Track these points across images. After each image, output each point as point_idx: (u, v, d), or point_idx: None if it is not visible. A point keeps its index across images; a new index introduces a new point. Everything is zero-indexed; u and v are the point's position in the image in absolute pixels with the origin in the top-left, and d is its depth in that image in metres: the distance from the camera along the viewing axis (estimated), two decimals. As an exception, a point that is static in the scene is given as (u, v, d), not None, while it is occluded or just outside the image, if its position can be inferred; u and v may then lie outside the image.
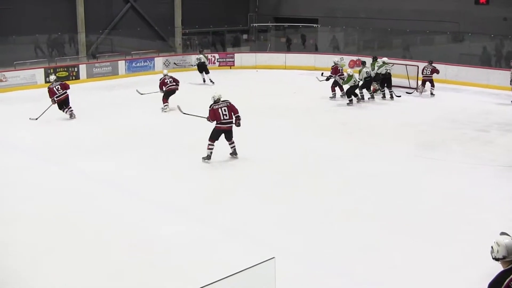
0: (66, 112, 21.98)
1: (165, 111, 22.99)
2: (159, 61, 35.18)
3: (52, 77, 23.54)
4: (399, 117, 22.66)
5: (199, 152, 16.86)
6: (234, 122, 16.48)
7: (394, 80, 26.34)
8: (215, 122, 16.37)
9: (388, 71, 25.81)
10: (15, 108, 24.43)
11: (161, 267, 10.45)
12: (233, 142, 16.80)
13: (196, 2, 39.37)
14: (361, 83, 24.98)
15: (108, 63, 33.33)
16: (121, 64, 33.37)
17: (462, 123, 21.29)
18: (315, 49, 38.50)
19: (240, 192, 14.38)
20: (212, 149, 16.55)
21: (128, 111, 23.51)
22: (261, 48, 40.15)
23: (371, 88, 25.89)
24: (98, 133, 20.09)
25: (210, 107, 16.41)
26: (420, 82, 27.50)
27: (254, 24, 42.20)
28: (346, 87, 24.65)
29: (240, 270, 6.74)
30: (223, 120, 16.29)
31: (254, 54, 37.60)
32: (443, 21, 32.21)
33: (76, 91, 24.25)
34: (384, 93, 26.00)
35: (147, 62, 34.61)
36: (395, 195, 14.02)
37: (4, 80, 28.78)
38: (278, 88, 26.85)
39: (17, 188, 14.78)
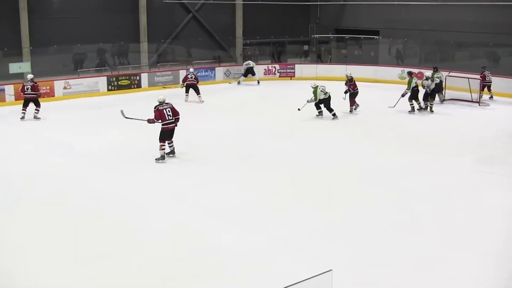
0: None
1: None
2: (220, 71, 35.43)
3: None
4: (458, 129, 22.37)
5: (261, 160, 17.08)
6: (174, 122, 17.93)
7: (456, 94, 25.99)
8: (160, 123, 17.79)
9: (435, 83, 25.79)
10: (76, 115, 24.83)
11: (217, 276, 10.47)
12: (172, 142, 18.17)
13: (257, 13, 39.45)
14: (408, 94, 24.78)
15: (170, 72, 33.66)
16: (182, 73, 33.59)
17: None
18: (376, 61, 38.20)
19: (297, 203, 14.32)
20: (164, 149, 17.86)
21: (188, 120, 23.63)
22: (322, 59, 40.06)
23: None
24: (151, 142, 20.24)
25: (155, 108, 17.91)
26: (483, 96, 27.12)
27: (315, 35, 42.09)
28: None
29: (296, 282, 6.71)
30: (168, 121, 17.74)
31: (315, 65, 37.51)
32: (507, 33, 31.62)
33: (138, 99, 24.58)
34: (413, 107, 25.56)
35: (208, 71, 34.84)
36: (453, 209, 13.81)
37: (68, 87, 29.33)
38: (336, 99, 26.64)
39: (69, 194, 15.08)
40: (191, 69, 29.16)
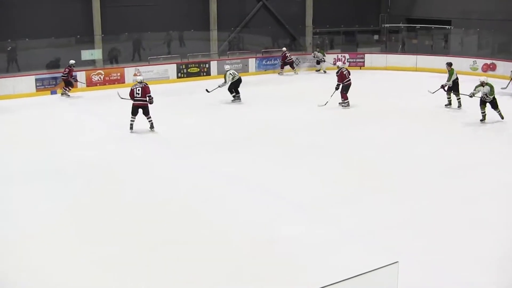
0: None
1: None
2: (289, 59, 35.36)
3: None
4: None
5: (329, 149, 17.00)
6: (148, 100, 20.14)
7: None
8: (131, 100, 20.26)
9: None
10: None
11: (282, 266, 10.45)
12: (150, 117, 20.33)
13: (328, 2, 39.21)
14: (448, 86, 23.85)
15: (239, 60, 33.77)
16: (252, 62, 33.74)
17: None
18: (447, 52, 37.52)
19: (366, 193, 14.20)
20: (133, 121, 20.34)
21: (256, 107, 23.73)
22: (392, 49, 39.62)
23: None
24: (230, 129, 20.40)
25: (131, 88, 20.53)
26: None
27: (386, 25, 41.60)
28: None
29: (361, 273, 6.65)
30: (136, 97, 20.12)
31: (385, 55, 37.10)
32: None
33: (207, 87, 24.75)
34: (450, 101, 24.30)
35: (277, 60, 34.78)
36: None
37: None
38: (407, 90, 26.40)
39: (142, 180, 15.29)
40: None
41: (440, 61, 32.73)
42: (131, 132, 20.19)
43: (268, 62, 34.42)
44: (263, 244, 11.36)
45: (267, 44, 37.21)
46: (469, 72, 31.81)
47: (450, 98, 24.02)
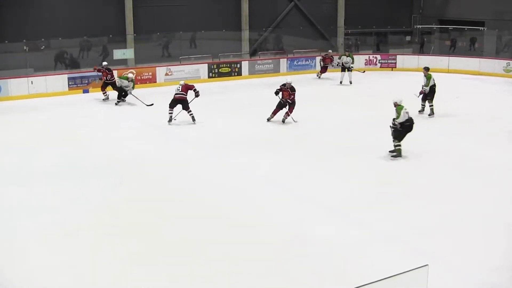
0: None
1: None
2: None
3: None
4: None
5: (358, 152, 17.09)
6: (195, 94, 21.47)
7: None
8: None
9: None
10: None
11: (310, 265, 10.49)
12: (190, 111, 21.21)
13: (360, 2, 39.14)
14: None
15: (270, 61, 33.84)
16: (283, 62, 33.76)
17: None
18: (481, 53, 37.24)
19: (396, 195, 14.15)
20: (171, 113, 21.29)
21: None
22: (424, 50, 39.44)
23: None
24: (257, 129, 20.42)
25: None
26: None
27: (418, 26, 41.44)
28: None
29: (391, 275, 6.66)
30: (177, 92, 21.12)
31: (417, 56, 36.92)
32: None
33: (238, 87, 24.81)
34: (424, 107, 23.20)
35: (308, 61, 34.81)
36: None
37: (169, 73, 29.85)
38: (439, 92, 26.13)
39: (176, 180, 15.39)
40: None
41: (473, 62, 32.59)
42: (170, 124, 21.10)
43: (299, 63, 34.37)
44: (296, 245, 11.41)
45: (298, 45, 37.12)
46: (503, 74, 31.55)
47: (424, 104, 22.98)
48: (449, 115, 22.57)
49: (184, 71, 30.73)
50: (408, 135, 16.82)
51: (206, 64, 31.74)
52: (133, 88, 24.53)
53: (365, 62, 35.90)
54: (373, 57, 36.46)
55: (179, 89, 21.18)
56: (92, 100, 26.32)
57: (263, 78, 31.87)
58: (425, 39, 40.76)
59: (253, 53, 35.83)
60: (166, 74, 30.02)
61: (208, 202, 13.65)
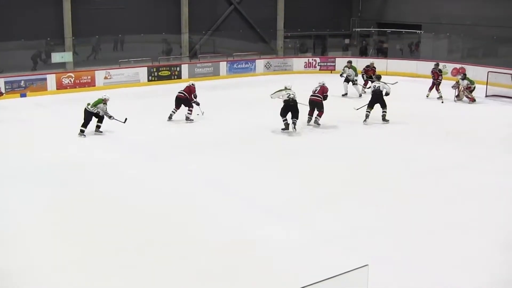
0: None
1: None
2: (260, 63, 35.43)
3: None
4: (504, 128, 21.95)
5: (304, 154, 17.49)
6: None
7: (499, 90, 25.67)
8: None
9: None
10: (118, 104, 24.92)
11: (255, 268, 10.54)
12: (189, 109, 22.07)
13: (299, 6, 39.35)
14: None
15: (210, 64, 33.76)
16: (223, 65, 33.71)
17: None
18: (418, 56, 37.83)
19: (339, 196, 14.32)
20: (173, 113, 22.20)
21: (228, 112, 23.72)
22: (362, 53, 39.86)
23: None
24: (199, 133, 20.36)
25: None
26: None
27: (357, 29, 41.87)
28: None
29: (331, 276, 6.68)
30: (180, 91, 22.10)
31: (356, 58, 37.19)
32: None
33: (177, 91, 24.59)
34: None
35: (248, 64, 34.85)
36: (499, 209, 13.62)
37: (109, 77, 29.56)
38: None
39: (115, 184, 15.22)
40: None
41: (410, 65, 33.07)
42: (168, 120, 21.94)
43: (239, 66, 34.38)
44: (239, 247, 11.41)
45: (238, 48, 37.11)
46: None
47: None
48: (389, 116, 22.82)
49: (124, 75, 30.45)
50: (352, 138, 16.95)
51: (146, 68, 31.49)
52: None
53: (305, 65, 36.11)
54: (312, 59, 36.70)
55: (181, 88, 22.22)
56: (31, 104, 25.85)
57: (203, 81, 31.73)
58: (363, 42, 41.15)
59: (193, 56, 35.70)
60: (105, 78, 29.71)
61: (150, 206, 13.57)
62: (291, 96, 20.26)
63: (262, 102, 23.93)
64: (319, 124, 21.48)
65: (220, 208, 13.45)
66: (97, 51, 33.75)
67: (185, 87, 22.29)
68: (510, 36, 32.59)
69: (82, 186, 15.03)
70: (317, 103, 21.38)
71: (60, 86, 28.44)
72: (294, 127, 20.48)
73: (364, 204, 13.80)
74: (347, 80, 27.90)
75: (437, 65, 27.31)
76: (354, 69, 28.01)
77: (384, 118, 22.17)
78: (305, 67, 35.93)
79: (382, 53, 38.92)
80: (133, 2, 33.70)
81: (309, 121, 21.65)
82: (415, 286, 9.97)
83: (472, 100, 26.24)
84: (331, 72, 35.96)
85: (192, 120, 22.11)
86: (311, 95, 21.54)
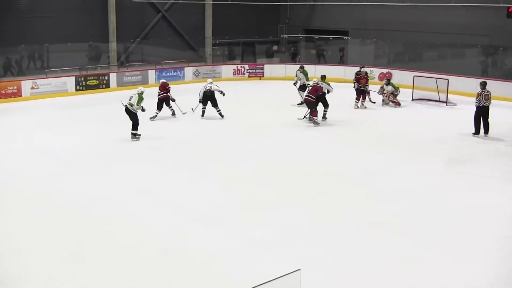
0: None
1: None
2: (189, 71, 35.34)
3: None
4: (427, 129, 22.52)
5: (235, 161, 17.56)
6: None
7: (424, 94, 26.22)
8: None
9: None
10: (46, 115, 24.62)
11: (188, 277, 10.47)
12: (171, 107, 24.17)
13: (227, 13, 39.47)
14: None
15: (139, 72, 33.51)
16: (151, 73, 33.53)
17: (493, 138, 21.00)
18: (345, 61, 38.33)
19: (271, 202, 14.36)
20: (157, 114, 23.94)
21: (159, 120, 23.61)
22: (291, 59, 40.19)
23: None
24: (128, 142, 20.18)
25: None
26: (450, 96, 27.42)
27: (285, 35, 42.19)
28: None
29: (265, 282, 6.72)
30: (159, 93, 24.17)
31: (284, 65, 37.56)
32: (475, 35, 31.93)
33: (106, 100, 24.47)
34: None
35: (177, 71, 34.73)
36: (426, 210, 13.88)
37: (35, 87, 29.07)
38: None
39: (46, 196, 14.84)
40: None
41: (338, 70, 33.49)
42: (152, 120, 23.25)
43: (168, 74, 34.24)
44: (172, 256, 11.34)
45: (167, 56, 36.95)
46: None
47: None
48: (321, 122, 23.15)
49: (51, 85, 29.92)
50: (284, 143, 17.03)
51: (73, 77, 31.04)
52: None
53: (233, 72, 36.20)
54: (241, 66, 36.82)
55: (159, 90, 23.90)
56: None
57: (132, 89, 31.48)
58: (292, 48, 41.51)
59: (121, 64, 35.43)
60: (32, 88, 29.18)
61: (80, 216, 13.34)
62: (208, 88, 23.88)
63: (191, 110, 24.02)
64: (317, 123, 22.88)
65: (151, 217, 13.33)
66: (33, 60, 33.19)
67: (160, 86, 24.37)
68: (434, 41, 33.36)
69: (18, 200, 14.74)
70: (308, 103, 22.92)
71: (-14, 96, 27.92)
72: (220, 115, 23.88)
73: (296, 209, 13.86)
74: (302, 87, 27.13)
75: (362, 67, 27.67)
76: (306, 74, 27.58)
77: (324, 116, 23.38)
78: (234, 74, 36.03)
79: (318, 58, 39.33)
80: (59, 11, 33.12)
81: (309, 119, 23.31)
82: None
83: (398, 104, 26.84)
84: (259, 79, 36.18)
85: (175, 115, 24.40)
86: (306, 95, 23.31)
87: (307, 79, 27.20)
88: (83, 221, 13.13)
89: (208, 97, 23.95)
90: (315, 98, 22.65)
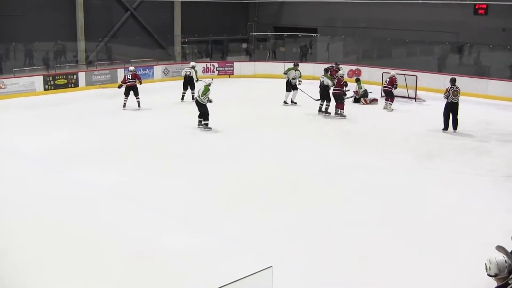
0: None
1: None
2: (158, 69, 35.21)
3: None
4: (396, 125, 22.74)
5: (204, 160, 17.53)
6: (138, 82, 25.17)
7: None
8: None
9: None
10: (13, 115, 24.38)
11: (160, 276, 10.43)
12: (138, 97, 25.22)
13: (196, 11, 39.49)
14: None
15: (107, 71, 33.30)
16: (120, 72, 33.31)
17: (461, 134, 21.22)
18: (314, 59, 38.44)
19: (245, 201, 14.34)
20: (125, 101, 25.20)
21: (129, 119, 23.51)
22: (260, 57, 40.21)
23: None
24: (99, 141, 20.05)
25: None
26: (418, 92, 27.65)
27: (254, 33, 42.23)
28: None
29: (237, 279, 6.72)
30: (128, 80, 24.93)
31: (253, 63, 37.61)
32: (443, 32, 32.24)
33: (75, 99, 24.30)
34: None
35: (146, 70, 34.57)
36: (396, 206, 13.96)
37: (3, 87, 28.76)
38: (277, 97, 26.77)
39: (15, 197, 14.66)
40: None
41: (308, 67, 33.55)
42: (124, 109, 24.67)
43: (137, 72, 34.06)
44: (143, 256, 11.29)
45: (136, 54, 36.80)
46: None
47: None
48: (288, 119, 23.17)
49: (19, 84, 29.61)
50: (255, 142, 17.03)
51: (42, 76, 30.76)
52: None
53: (203, 70, 36.12)
54: (210, 64, 36.78)
55: (129, 78, 25.07)
56: None
57: (101, 89, 31.39)
58: (260, 46, 41.58)
59: (89, 63, 35.22)
60: (0, 88, 28.92)
61: (49, 219, 13.17)
62: (187, 73, 26.88)
63: (161, 108, 23.91)
64: (344, 116, 24.15)
65: (122, 217, 13.24)
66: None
67: (130, 75, 25.42)
68: (402, 38, 33.62)
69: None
70: (337, 96, 24.26)
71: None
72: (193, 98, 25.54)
73: (267, 207, 13.90)
74: (292, 86, 26.85)
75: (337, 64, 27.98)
76: (299, 73, 27.12)
77: (326, 111, 24.62)
78: (203, 72, 35.93)
79: (303, 57, 39.27)
80: (27, 10, 32.84)
81: (335, 113, 24.45)
82: (320, 286, 10.14)
83: (366, 102, 27.07)
84: (229, 77, 36.18)
85: (140, 107, 25.43)
86: (334, 89, 24.27)
87: (300, 77, 27.06)
88: (50, 223, 12.97)
89: (187, 82, 26.88)
90: (342, 90, 23.88)
